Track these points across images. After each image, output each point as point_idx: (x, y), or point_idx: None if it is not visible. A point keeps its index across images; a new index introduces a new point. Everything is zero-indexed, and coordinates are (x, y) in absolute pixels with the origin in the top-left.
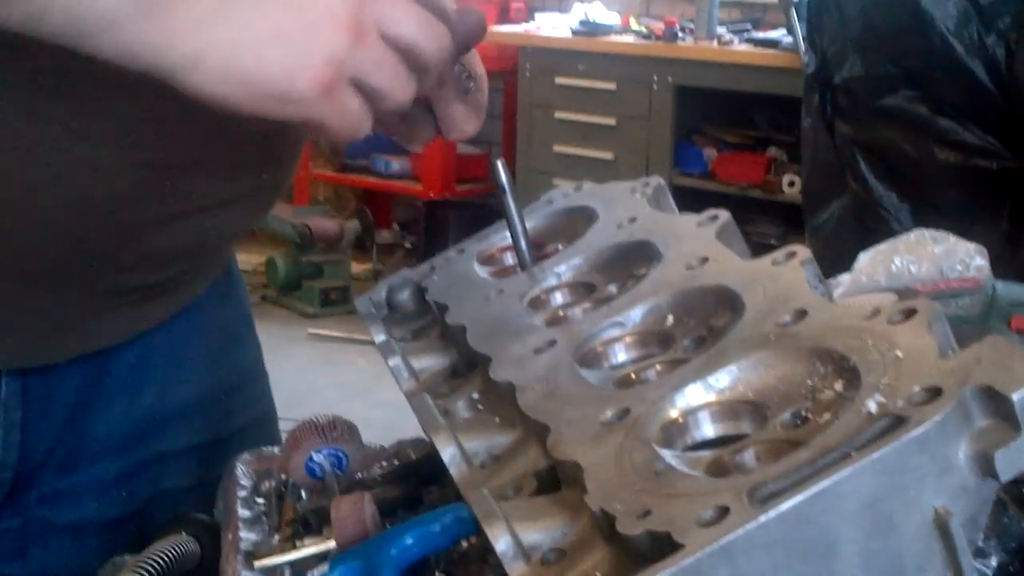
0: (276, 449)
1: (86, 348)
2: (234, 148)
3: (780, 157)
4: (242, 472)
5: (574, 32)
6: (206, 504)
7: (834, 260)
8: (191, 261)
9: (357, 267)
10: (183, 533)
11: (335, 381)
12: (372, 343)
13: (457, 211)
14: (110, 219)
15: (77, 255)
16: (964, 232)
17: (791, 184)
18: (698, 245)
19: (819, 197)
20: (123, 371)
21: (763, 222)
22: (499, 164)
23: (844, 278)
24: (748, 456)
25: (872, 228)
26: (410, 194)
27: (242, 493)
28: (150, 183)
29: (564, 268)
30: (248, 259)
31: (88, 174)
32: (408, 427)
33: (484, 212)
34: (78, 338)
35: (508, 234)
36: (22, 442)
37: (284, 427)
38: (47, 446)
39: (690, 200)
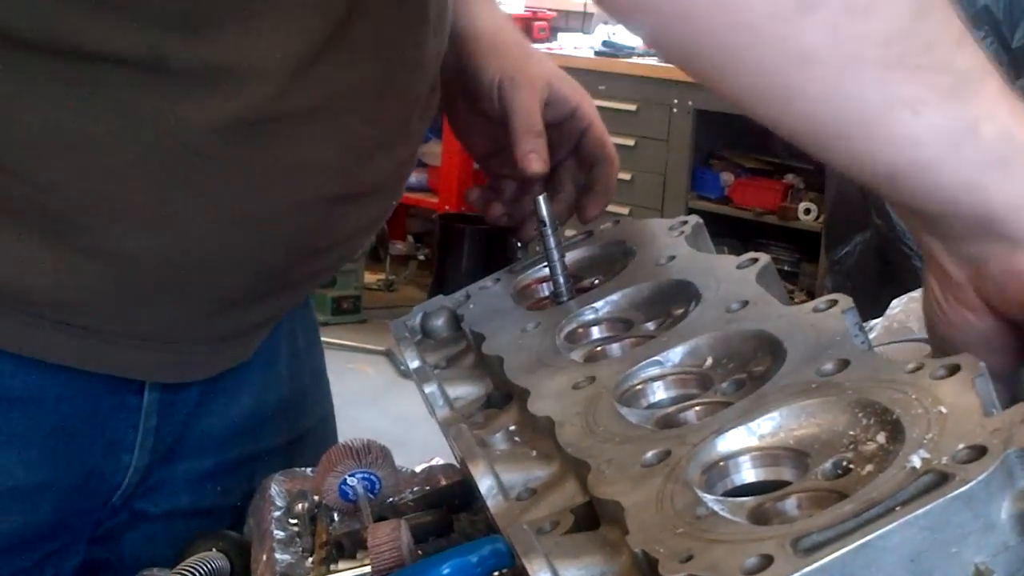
0: (309, 470)
1: (228, 365)
2: (395, 172)
3: (797, 184)
4: (276, 492)
5: (596, 53)
6: None
7: (855, 293)
8: (325, 279)
9: (370, 277)
10: (213, 549)
11: (344, 389)
12: (382, 353)
13: (471, 224)
14: (292, 246)
15: (258, 282)
16: None
17: (807, 211)
18: (738, 287)
19: (841, 231)
20: (226, 374)
21: (778, 249)
22: (541, 199)
23: (876, 323)
24: (790, 504)
25: (894, 264)
26: (425, 206)
27: (276, 513)
28: (329, 215)
29: (602, 303)
30: None
31: (283, 207)
32: (416, 438)
33: (498, 227)
34: (230, 354)
35: (544, 266)
36: (152, 446)
37: None
38: (167, 447)
39: (706, 224)
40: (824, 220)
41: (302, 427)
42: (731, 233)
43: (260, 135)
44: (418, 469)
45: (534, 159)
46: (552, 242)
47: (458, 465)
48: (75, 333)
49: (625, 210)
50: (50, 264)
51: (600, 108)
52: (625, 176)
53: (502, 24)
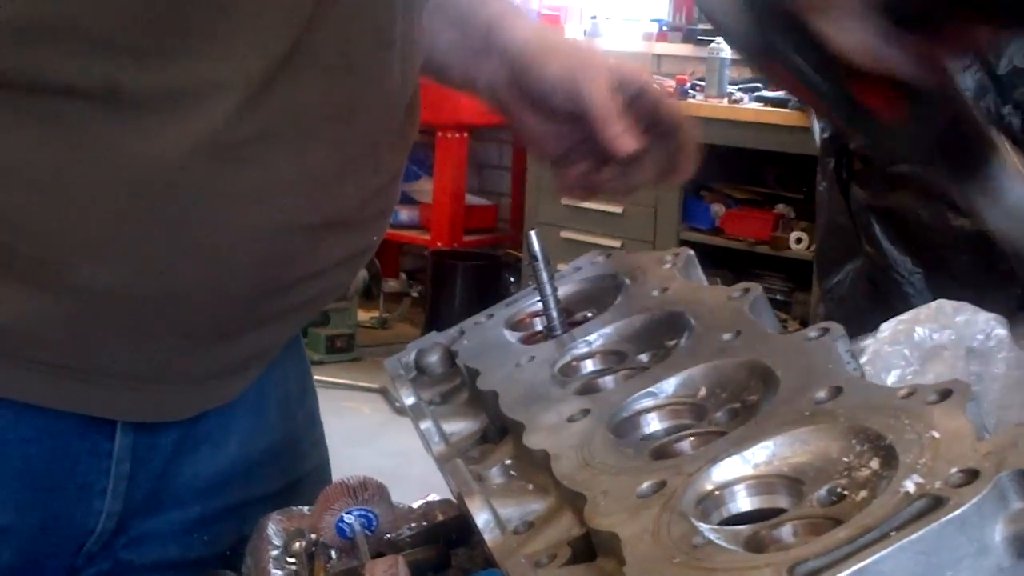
0: (306, 509)
1: (206, 406)
2: (366, 203)
3: (788, 214)
4: (273, 531)
5: None
6: None
7: (847, 322)
8: (309, 315)
9: (363, 315)
10: None
11: (340, 428)
12: (377, 391)
13: (464, 261)
14: (262, 279)
15: (226, 317)
16: (978, 298)
17: (799, 241)
18: (730, 318)
19: (833, 259)
20: (211, 420)
21: (770, 278)
22: (533, 234)
23: (867, 345)
24: (786, 531)
25: (885, 292)
26: (418, 243)
27: (273, 552)
28: (298, 245)
29: (595, 336)
30: None
31: (250, 236)
32: (412, 476)
33: (491, 263)
34: (209, 396)
35: (537, 299)
36: (127, 492)
37: None
38: (144, 494)
39: (697, 255)
40: (815, 250)
41: (295, 475)
42: (723, 264)
43: (218, 161)
44: (415, 505)
45: (626, 139)
46: (545, 276)
47: (455, 500)
48: (41, 370)
49: (617, 243)
50: (11, 300)
51: None
52: (616, 209)
53: (543, 30)
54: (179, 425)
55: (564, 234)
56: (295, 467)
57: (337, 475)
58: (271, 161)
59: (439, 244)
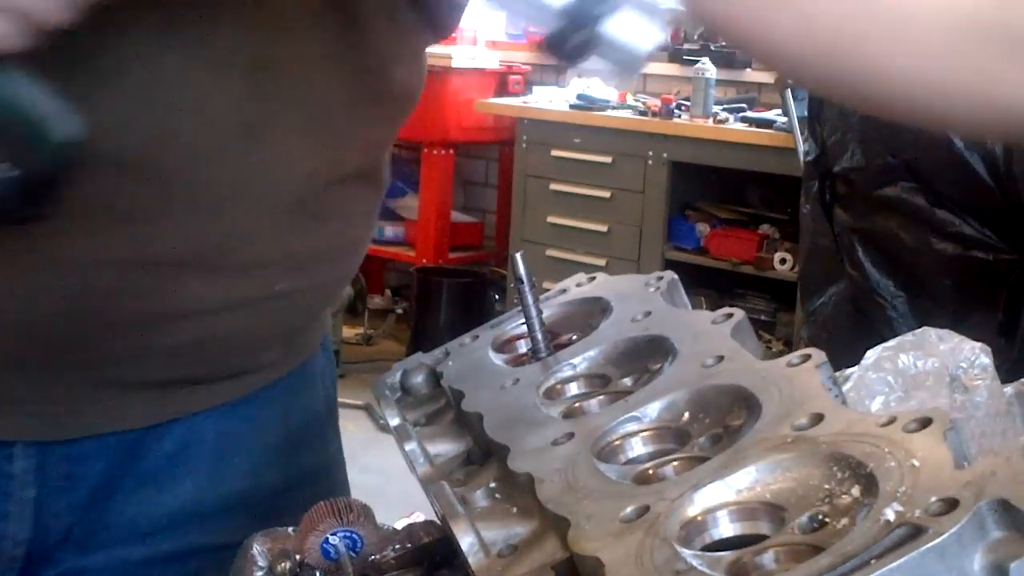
0: (290, 529)
1: (111, 427)
2: (230, 248)
3: (772, 234)
4: (258, 551)
5: (572, 106)
6: None
7: (830, 344)
8: (205, 364)
9: (348, 331)
10: None
11: None
12: (361, 407)
13: (449, 278)
14: (92, 315)
15: (68, 345)
16: (959, 321)
17: (783, 261)
18: (713, 342)
19: (816, 281)
20: (159, 459)
21: (754, 298)
22: (518, 256)
23: (852, 372)
24: (768, 558)
25: (868, 314)
26: (403, 260)
27: (258, 573)
28: (128, 282)
29: (579, 359)
30: None
31: (62, 268)
32: (395, 493)
33: (476, 280)
34: (96, 416)
35: (522, 321)
36: (36, 519)
37: None
38: (65, 525)
39: (682, 275)
40: (798, 272)
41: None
42: (708, 284)
43: None
44: (399, 526)
45: None
46: (530, 299)
47: (439, 522)
48: None
49: (602, 261)
50: None
51: (575, 161)
52: (601, 228)
53: None
54: (106, 455)
55: (549, 252)
56: (276, 520)
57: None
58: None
59: (424, 261)
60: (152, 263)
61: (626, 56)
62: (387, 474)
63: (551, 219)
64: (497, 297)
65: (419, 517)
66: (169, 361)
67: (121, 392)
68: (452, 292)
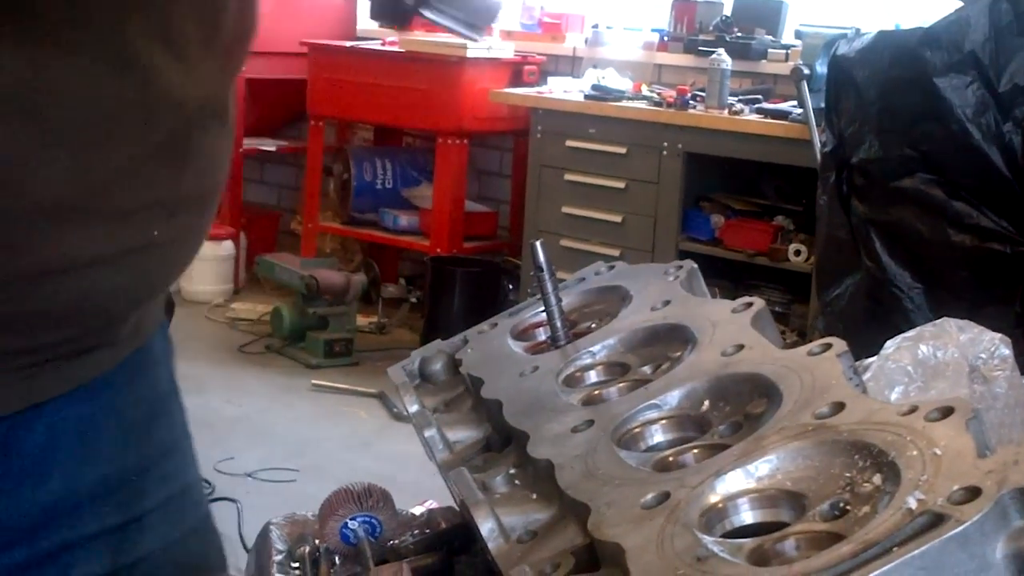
0: (309, 514)
1: None
2: (106, 191)
3: (787, 226)
4: (276, 536)
5: (586, 96)
6: None
7: (846, 335)
8: (78, 327)
9: (362, 320)
10: None
11: (337, 433)
12: (375, 395)
13: (463, 268)
14: None
15: None
16: (976, 313)
17: (797, 253)
18: (733, 331)
19: (832, 272)
20: (33, 452)
21: (769, 290)
22: (538, 244)
23: (871, 362)
24: (788, 545)
25: (884, 305)
26: (417, 249)
27: (277, 557)
28: None
29: (599, 347)
30: (253, 308)
31: None
32: (409, 481)
33: (490, 269)
34: None
35: (541, 309)
36: None
37: (282, 476)
38: None
39: (697, 265)
40: (814, 263)
41: (135, 511)
42: (722, 274)
43: None
44: (417, 511)
45: None
46: (549, 287)
47: (457, 508)
48: None
49: (616, 251)
50: None
51: (590, 151)
52: (616, 218)
53: None
54: None
55: (563, 242)
56: (135, 503)
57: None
58: None
59: (438, 250)
60: (25, 211)
61: (472, 10)
62: (401, 461)
63: (565, 209)
64: (511, 287)
65: (432, 505)
66: (38, 327)
67: None
68: (466, 281)
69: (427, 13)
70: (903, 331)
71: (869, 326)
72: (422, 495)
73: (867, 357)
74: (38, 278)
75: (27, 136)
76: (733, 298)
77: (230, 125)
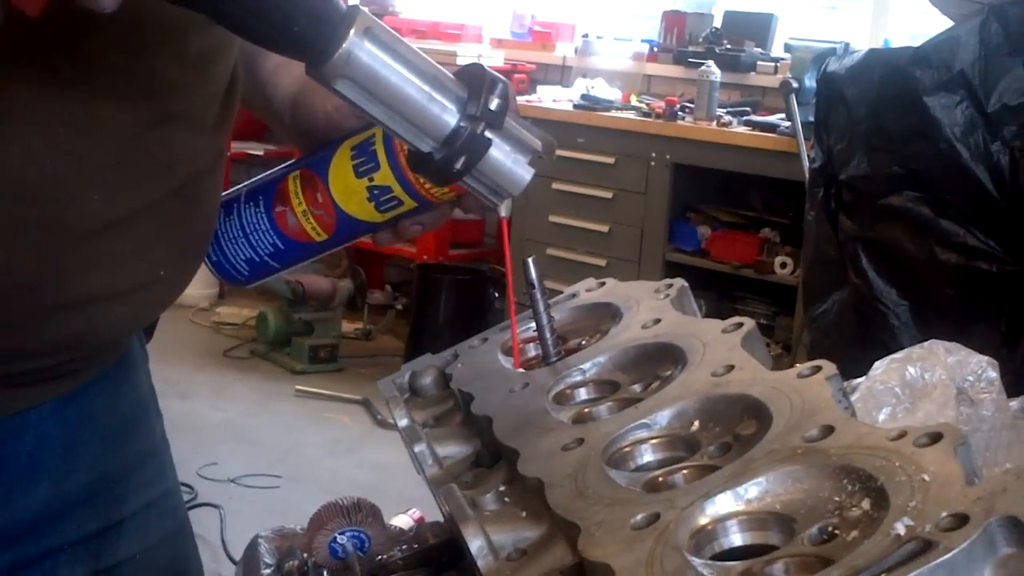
0: (298, 528)
1: None
2: (122, 235)
3: (773, 238)
4: (265, 549)
5: (575, 106)
6: None
7: (831, 350)
8: (75, 353)
9: (347, 326)
10: None
11: (321, 439)
12: (359, 402)
13: (450, 275)
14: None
15: None
16: (962, 331)
17: (783, 265)
18: (723, 352)
19: (819, 287)
20: (21, 462)
21: (754, 302)
22: (530, 261)
23: (859, 383)
24: (777, 569)
25: (871, 322)
26: (403, 256)
27: (266, 571)
28: (45, 263)
29: (589, 365)
30: (239, 312)
31: None
32: (393, 487)
33: (477, 277)
34: None
35: (532, 325)
36: None
37: (265, 483)
38: None
39: (682, 277)
40: (801, 278)
41: (114, 517)
42: (708, 286)
43: None
44: (396, 521)
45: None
46: (541, 304)
47: (444, 521)
48: None
49: (602, 261)
50: None
51: (578, 161)
52: (603, 228)
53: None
54: None
55: (550, 251)
56: (114, 509)
57: (317, 486)
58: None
59: (425, 257)
60: (59, 250)
61: (502, 184)
62: (384, 469)
63: (552, 218)
64: (497, 295)
65: (416, 513)
66: (37, 355)
67: None
68: (452, 289)
69: (467, 179)
70: (889, 348)
71: (855, 342)
72: (406, 503)
73: (853, 373)
74: (51, 315)
75: (66, 174)
76: (718, 309)
77: (224, 175)
